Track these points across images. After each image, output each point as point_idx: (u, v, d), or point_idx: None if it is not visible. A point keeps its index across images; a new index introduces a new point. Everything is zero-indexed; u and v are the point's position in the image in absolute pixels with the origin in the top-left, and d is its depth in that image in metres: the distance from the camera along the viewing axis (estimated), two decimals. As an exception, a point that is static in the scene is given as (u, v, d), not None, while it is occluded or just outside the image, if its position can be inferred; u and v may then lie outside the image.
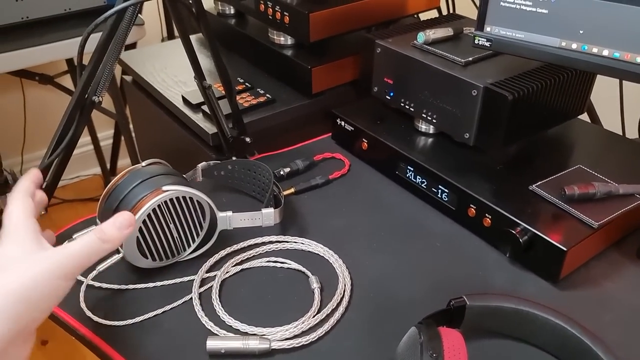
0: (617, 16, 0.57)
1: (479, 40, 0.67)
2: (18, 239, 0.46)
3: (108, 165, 2.04)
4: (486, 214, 0.67)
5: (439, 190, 0.72)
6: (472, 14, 0.98)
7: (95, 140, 1.95)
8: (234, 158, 0.83)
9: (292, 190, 0.78)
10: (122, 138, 1.61)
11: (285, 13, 0.90)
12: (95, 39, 0.62)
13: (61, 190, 2.15)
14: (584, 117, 0.98)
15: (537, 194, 0.68)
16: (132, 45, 1.53)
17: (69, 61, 1.64)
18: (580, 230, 0.62)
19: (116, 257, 0.60)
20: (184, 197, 0.62)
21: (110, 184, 0.62)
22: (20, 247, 0.45)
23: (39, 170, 0.57)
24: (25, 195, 0.52)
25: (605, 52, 0.59)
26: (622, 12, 0.56)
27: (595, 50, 0.60)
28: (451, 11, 1.21)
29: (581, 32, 0.60)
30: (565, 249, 0.59)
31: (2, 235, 0.47)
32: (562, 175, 0.70)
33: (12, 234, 0.47)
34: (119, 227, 0.48)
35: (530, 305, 0.55)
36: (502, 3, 0.63)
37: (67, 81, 1.68)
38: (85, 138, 1.91)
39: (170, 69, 1.04)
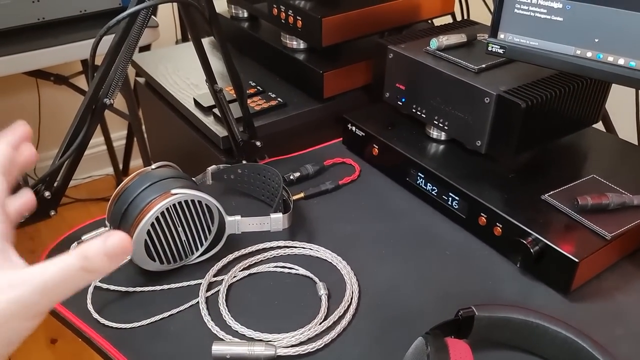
0: (634, 25, 0.56)
1: (492, 47, 0.66)
2: None
3: (121, 166, 2.06)
4: (497, 223, 0.66)
5: (450, 198, 0.72)
6: (487, 19, 0.97)
7: (108, 141, 1.96)
8: (244, 162, 0.83)
9: (302, 195, 0.77)
10: (135, 139, 1.62)
11: (298, 17, 0.90)
12: (108, 40, 0.63)
13: (74, 189, 2.16)
14: (599, 125, 0.97)
15: (549, 203, 0.67)
16: (147, 47, 1.54)
17: (84, 62, 1.65)
18: (592, 241, 0.61)
19: (124, 260, 0.60)
20: (192, 201, 0.62)
21: (120, 186, 0.63)
22: None
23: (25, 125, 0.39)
24: None
25: (621, 61, 0.58)
26: (639, 20, 0.55)
27: (610, 59, 0.59)
28: (465, 17, 1.20)
29: (596, 40, 0.59)
30: (577, 260, 0.58)
31: None
32: (575, 185, 0.69)
33: None
34: (110, 255, 0.32)
35: (540, 317, 0.54)
36: (516, 10, 0.63)
37: (81, 82, 1.69)
38: (98, 138, 1.93)
39: (182, 72, 1.04)
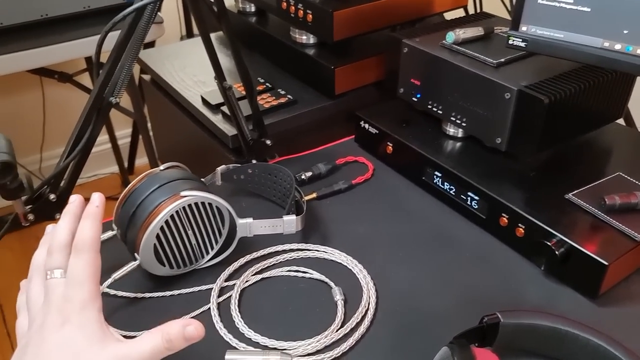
0: (666, 15, 0.53)
1: (513, 40, 0.64)
2: (84, 323, 0.41)
3: (126, 164, 2.04)
4: (519, 224, 0.63)
5: (469, 198, 0.69)
6: (500, 12, 0.94)
7: (113, 139, 1.94)
8: (253, 161, 0.80)
9: (314, 195, 0.75)
10: (140, 137, 1.60)
11: (308, 11, 0.87)
12: (114, 37, 0.60)
13: (79, 188, 2.14)
14: (620, 121, 0.93)
15: (573, 203, 0.64)
16: (151, 44, 1.51)
17: (88, 59, 1.63)
18: (622, 243, 0.58)
19: (133, 265, 0.58)
20: (202, 203, 0.59)
21: (127, 188, 0.60)
22: (85, 338, 0.41)
23: (101, 195, 0.49)
24: (95, 253, 0.44)
25: (653, 54, 0.55)
26: (672, 10, 0.53)
27: (641, 51, 0.56)
28: (478, 10, 1.17)
29: (625, 32, 0.56)
30: (606, 263, 0.56)
31: (70, 304, 0.41)
32: (600, 184, 0.66)
33: (79, 313, 0.41)
34: (187, 338, 0.42)
35: (569, 324, 0.51)
36: (540, 1, 0.60)
37: (85, 79, 1.67)
38: (103, 136, 1.91)
39: (189, 69, 1.02)
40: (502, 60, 0.70)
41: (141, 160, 2.02)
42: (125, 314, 0.58)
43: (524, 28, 0.63)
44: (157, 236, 0.57)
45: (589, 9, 0.57)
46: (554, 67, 0.69)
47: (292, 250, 0.66)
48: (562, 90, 0.64)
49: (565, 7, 0.59)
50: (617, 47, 0.57)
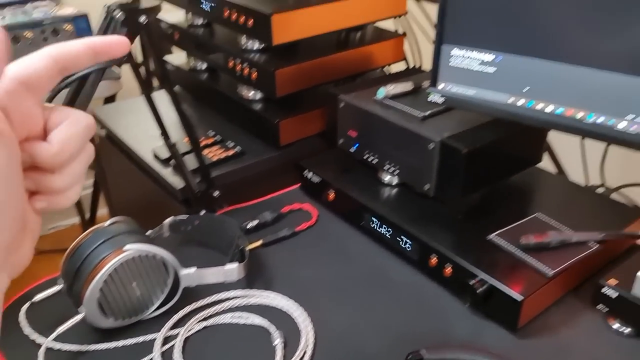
0: (559, 74, 0.60)
1: (433, 96, 0.70)
2: None
3: (87, 215, 2.04)
4: (446, 264, 0.68)
5: (402, 240, 0.74)
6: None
7: (74, 191, 1.94)
8: (203, 212, 0.84)
9: (260, 242, 0.78)
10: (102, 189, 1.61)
11: (253, 69, 0.93)
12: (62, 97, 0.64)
13: (38, 240, 2.12)
14: (549, 165, 1.01)
15: (495, 243, 0.69)
16: (112, 98, 1.55)
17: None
18: (535, 279, 0.63)
19: (77, 318, 0.60)
20: (145, 256, 0.63)
21: (74, 243, 0.63)
22: None
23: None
24: None
25: (550, 108, 0.62)
26: (563, 70, 0.59)
27: (540, 106, 0.62)
28: (419, 63, 1.25)
29: (527, 89, 0.63)
30: (520, 298, 0.61)
31: None
32: (519, 225, 0.72)
33: None
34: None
35: (488, 356, 0.56)
36: (450, 64, 0.67)
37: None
38: (64, 188, 1.91)
39: (143, 124, 1.06)
40: (427, 113, 0.76)
41: (103, 210, 2.03)
42: (70, 366, 0.60)
43: (441, 85, 0.69)
44: (101, 289, 0.60)
45: (492, 70, 0.64)
46: (474, 118, 0.75)
47: (235, 297, 0.69)
48: (479, 140, 0.70)
49: (472, 69, 0.65)
50: (520, 102, 0.64)
